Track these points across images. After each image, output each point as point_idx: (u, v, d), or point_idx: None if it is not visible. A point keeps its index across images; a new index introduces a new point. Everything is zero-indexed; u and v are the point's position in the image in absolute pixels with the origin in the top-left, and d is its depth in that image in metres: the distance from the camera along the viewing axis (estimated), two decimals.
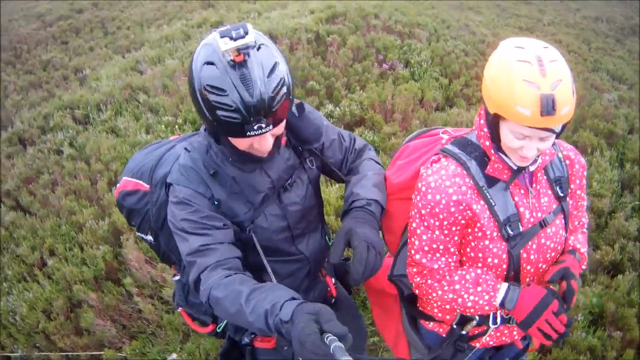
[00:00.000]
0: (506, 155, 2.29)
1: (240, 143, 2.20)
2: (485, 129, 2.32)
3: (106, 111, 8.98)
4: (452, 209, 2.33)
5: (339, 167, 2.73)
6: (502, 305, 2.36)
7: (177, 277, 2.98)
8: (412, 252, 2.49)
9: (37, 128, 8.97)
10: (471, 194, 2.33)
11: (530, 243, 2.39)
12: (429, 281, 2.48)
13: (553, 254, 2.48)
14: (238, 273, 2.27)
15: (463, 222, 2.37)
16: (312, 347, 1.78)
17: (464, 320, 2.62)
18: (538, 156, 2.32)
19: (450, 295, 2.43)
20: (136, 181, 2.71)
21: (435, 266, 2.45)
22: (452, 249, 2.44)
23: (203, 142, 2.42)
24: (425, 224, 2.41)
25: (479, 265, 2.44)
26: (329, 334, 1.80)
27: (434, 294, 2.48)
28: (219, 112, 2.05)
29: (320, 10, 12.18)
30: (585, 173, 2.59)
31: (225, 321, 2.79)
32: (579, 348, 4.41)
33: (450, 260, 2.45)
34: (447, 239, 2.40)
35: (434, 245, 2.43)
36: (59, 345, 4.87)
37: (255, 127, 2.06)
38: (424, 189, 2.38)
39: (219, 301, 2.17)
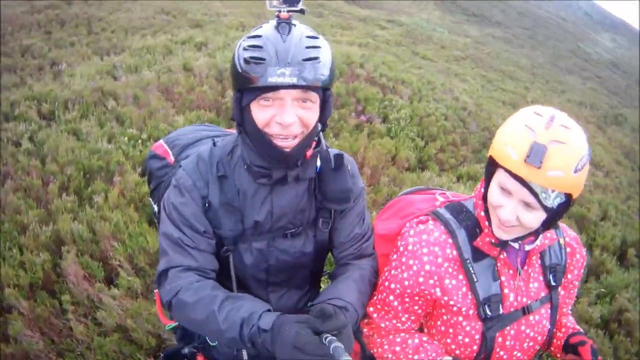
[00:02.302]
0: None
1: (260, 112, 2.06)
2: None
3: (72, 111, 8.84)
4: (421, 280, 2.22)
5: (335, 245, 2.50)
6: None
7: None
8: (370, 302, 2.42)
9: (1, 114, 8.77)
10: (448, 266, 2.21)
11: (508, 328, 2.25)
12: (375, 336, 2.41)
13: (531, 343, 2.32)
14: (210, 279, 2.21)
15: (429, 297, 2.25)
16: (312, 349, 1.76)
17: None
18: (536, 238, 2.21)
19: (390, 356, 2.32)
20: (167, 149, 2.71)
21: (383, 324, 2.37)
22: (403, 317, 2.33)
23: (231, 142, 2.33)
24: (387, 284, 2.33)
25: (448, 341, 2.31)
26: (327, 334, 1.78)
27: (376, 350, 2.40)
28: (247, 54, 2.00)
29: None
30: (584, 264, 2.47)
31: None
32: None
33: (399, 325, 2.35)
34: (400, 307, 2.31)
35: (387, 308, 2.35)
36: None
37: (278, 72, 1.94)
38: (401, 249, 2.30)
39: (186, 306, 2.10)
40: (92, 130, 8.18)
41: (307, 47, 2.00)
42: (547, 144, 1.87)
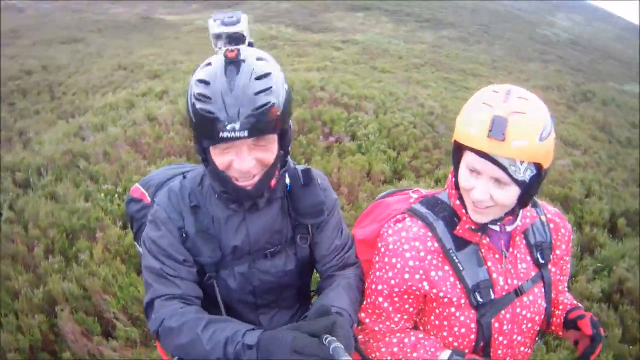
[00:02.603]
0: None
1: (219, 157, 2.06)
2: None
3: (46, 176, 8.93)
4: (407, 276, 2.20)
5: (317, 260, 2.52)
6: None
7: None
8: (360, 308, 2.40)
9: None
10: (432, 259, 2.19)
11: (503, 312, 2.20)
12: (371, 341, 2.36)
13: (530, 324, 2.28)
14: (194, 305, 2.22)
15: (417, 292, 2.23)
16: (312, 351, 1.72)
17: None
18: (515, 217, 2.21)
19: (389, 358, 2.26)
20: (143, 191, 2.76)
21: (376, 328, 2.33)
22: (396, 318, 2.31)
23: (200, 174, 2.36)
24: (374, 286, 2.32)
25: (445, 334, 2.27)
26: (326, 335, 1.75)
27: (374, 354, 2.34)
28: (198, 105, 1.96)
29: None
30: (572, 237, 2.46)
31: None
32: None
33: (392, 325, 2.31)
34: (391, 308, 2.28)
35: (377, 311, 2.32)
36: None
37: (229, 128, 1.91)
38: (382, 249, 2.28)
39: (171, 332, 2.09)
40: (68, 192, 8.26)
41: (257, 93, 1.95)
42: (507, 116, 1.88)
